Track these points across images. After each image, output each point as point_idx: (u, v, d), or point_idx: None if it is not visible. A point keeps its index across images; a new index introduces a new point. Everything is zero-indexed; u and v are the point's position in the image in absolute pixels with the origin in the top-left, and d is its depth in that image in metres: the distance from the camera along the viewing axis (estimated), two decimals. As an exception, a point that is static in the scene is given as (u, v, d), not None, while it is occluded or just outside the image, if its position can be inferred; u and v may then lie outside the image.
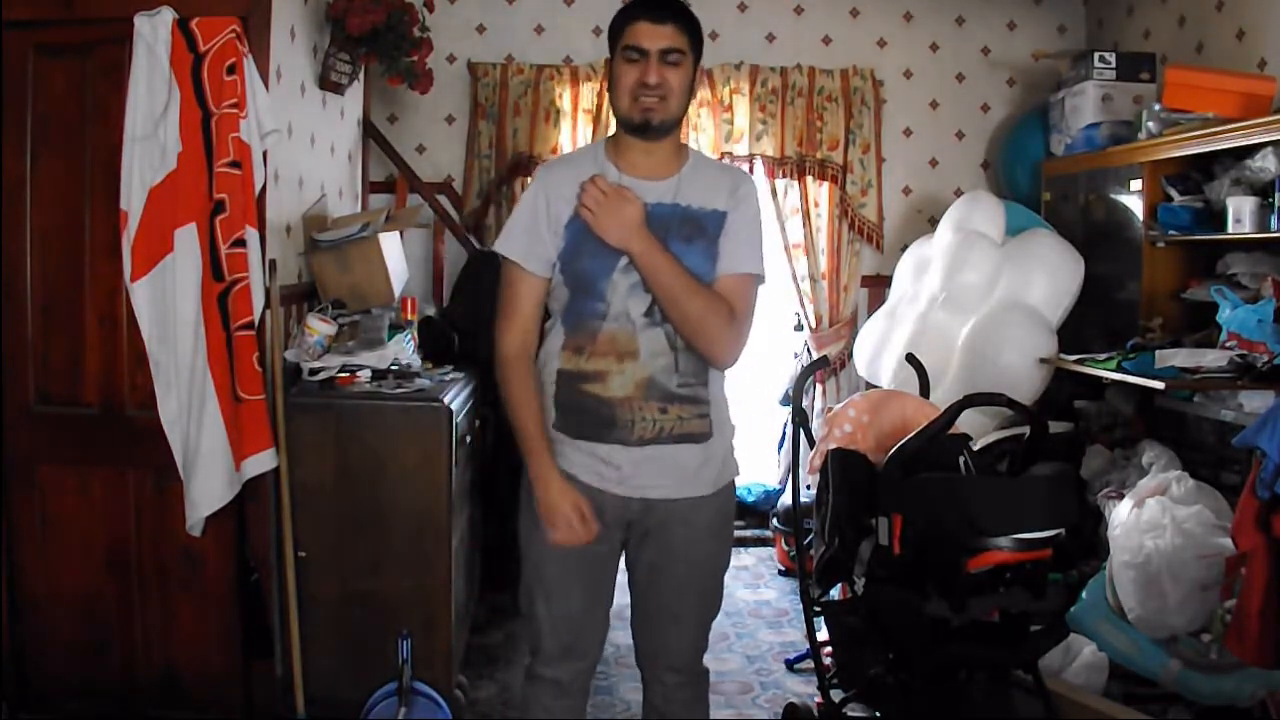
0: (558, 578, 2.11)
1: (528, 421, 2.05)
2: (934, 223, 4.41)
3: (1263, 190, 3.19)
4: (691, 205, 2.06)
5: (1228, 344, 3.15)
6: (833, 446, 2.66)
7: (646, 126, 2.03)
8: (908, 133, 4.79)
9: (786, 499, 4.19)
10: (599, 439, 2.04)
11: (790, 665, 3.49)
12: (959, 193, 4.55)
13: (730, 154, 4.56)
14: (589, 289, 2.03)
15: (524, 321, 2.08)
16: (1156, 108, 3.59)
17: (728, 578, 2.28)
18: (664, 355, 2.03)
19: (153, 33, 2.64)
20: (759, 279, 2.11)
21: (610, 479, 2.06)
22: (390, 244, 3.46)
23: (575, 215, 2.03)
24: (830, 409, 3.28)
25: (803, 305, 4.68)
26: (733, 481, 2.20)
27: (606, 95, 4.42)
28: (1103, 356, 3.46)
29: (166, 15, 2.65)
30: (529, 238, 2.07)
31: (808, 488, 3.05)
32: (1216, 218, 3.37)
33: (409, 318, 3.38)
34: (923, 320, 4.00)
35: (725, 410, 2.16)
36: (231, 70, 2.64)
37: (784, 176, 4.61)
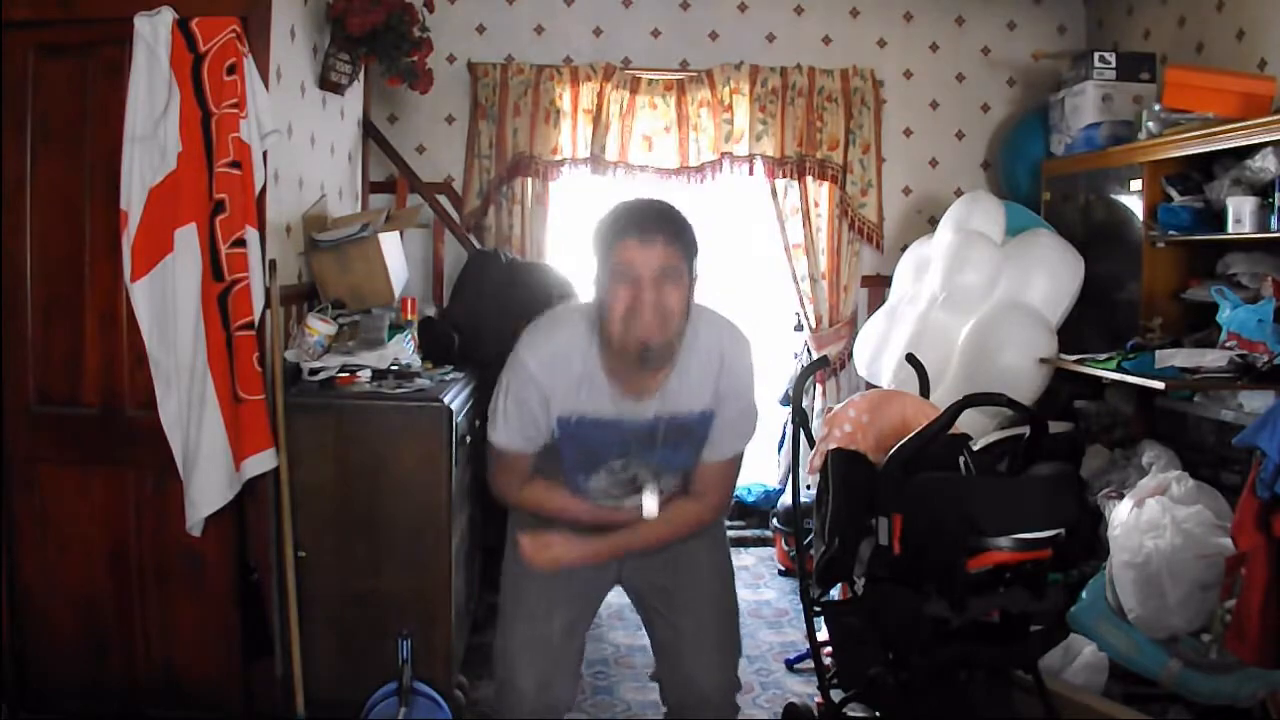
0: (539, 602, 2.12)
1: (574, 507, 2.09)
2: (934, 223, 4.41)
3: (1263, 190, 3.19)
4: (678, 414, 1.99)
5: (1228, 344, 3.15)
6: (833, 446, 2.66)
7: (646, 357, 1.88)
8: (908, 133, 4.79)
9: (786, 499, 4.19)
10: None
11: (790, 665, 3.49)
12: (959, 193, 4.55)
13: (730, 154, 4.56)
14: (585, 469, 2.07)
15: (525, 474, 2.09)
16: (1156, 108, 3.59)
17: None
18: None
19: (153, 33, 2.64)
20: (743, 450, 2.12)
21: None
22: (390, 244, 3.46)
23: (569, 414, 1.98)
24: (830, 409, 3.27)
25: (803, 305, 4.68)
26: None
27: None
28: (1103, 356, 3.47)
29: (166, 15, 2.65)
30: (526, 431, 2.01)
31: (808, 488, 3.05)
32: (1216, 218, 3.36)
33: (409, 318, 3.37)
34: (923, 320, 4.00)
35: None
36: (231, 70, 2.64)
37: (784, 176, 4.60)
